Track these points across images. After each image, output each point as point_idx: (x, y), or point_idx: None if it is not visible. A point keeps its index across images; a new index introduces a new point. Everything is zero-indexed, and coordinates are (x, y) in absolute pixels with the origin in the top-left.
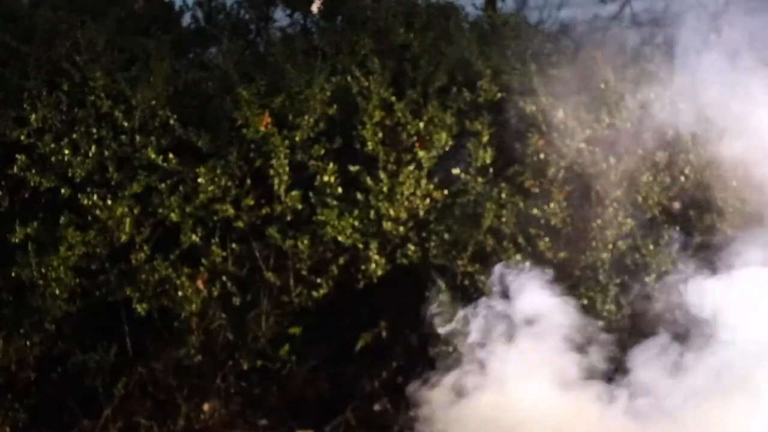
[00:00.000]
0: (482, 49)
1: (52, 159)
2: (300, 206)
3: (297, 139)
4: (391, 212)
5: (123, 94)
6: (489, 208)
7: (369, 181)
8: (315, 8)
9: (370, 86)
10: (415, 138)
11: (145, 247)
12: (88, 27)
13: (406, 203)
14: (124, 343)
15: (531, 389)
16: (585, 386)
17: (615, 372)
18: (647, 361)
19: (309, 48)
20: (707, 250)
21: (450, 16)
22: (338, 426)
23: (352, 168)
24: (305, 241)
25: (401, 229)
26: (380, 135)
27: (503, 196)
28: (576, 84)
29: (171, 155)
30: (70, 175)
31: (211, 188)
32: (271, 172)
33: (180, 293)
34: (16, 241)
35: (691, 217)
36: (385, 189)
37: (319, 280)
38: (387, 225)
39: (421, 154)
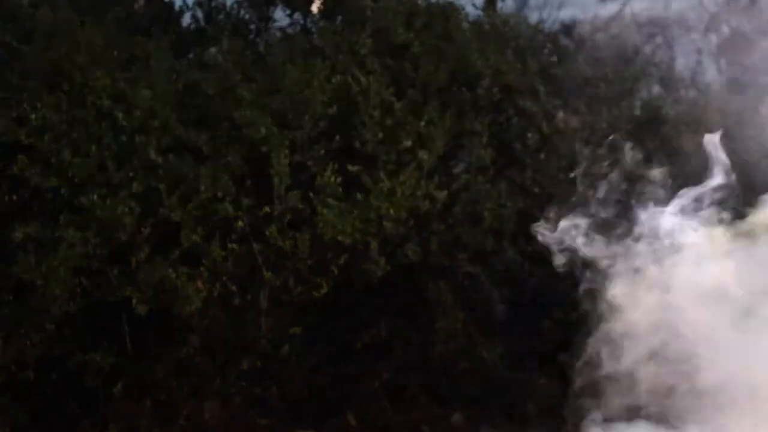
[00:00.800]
0: (482, 49)
1: (52, 159)
2: (300, 206)
3: (297, 139)
4: (391, 212)
5: (123, 94)
6: (489, 207)
7: (369, 181)
8: (315, 8)
9: (370, 86)
10: (415, 138)
11: (145, 247)
12: (88, 27)
13: (406, 203)
14: (124, 343)
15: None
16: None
17: None
18: None
19: (309, 48)
20: None
21: (450, 16)
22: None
23: (352, 168)
24: (305, 241)
25: (401, 229)
26: (380, 135)
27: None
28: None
29: (171, 155)
30: (70, 175)
31: (211, 188)
32: (271, 172)
33: (180, 293)
34: (16, 241)
35: None
36: (385, 189)
37: (319, 280)
38: (387, 225)
39: (421, 154)
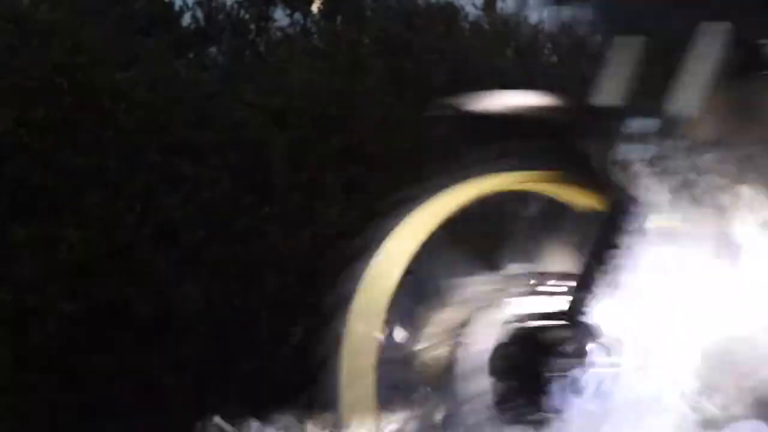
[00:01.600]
0: (482, 49)
1: (52, 159)
2: (300, 206)
3: (297, 139)
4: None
5: (123, 94)
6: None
7: (369, 181)
8: (315, 8)
9: (370, 86)
10: (415, 138)
11: (145, 247)
12: (88, 27)
13: None
14: (124, 343)
15: None
16: None
17: None
18: None
19: (309, 48)
20: None
21: (450, 16)
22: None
23: (352, 168)
24: (305, 241)
25: None
26: (380, 135)
27: None
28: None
29: (171, 155)
30: (70, 175)
31: (211, 188)
32: (272, 172)
33: (180, 293)
34: (16, 241)
35: None
36: (385, 189)
37: (319, 280)
38: None
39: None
